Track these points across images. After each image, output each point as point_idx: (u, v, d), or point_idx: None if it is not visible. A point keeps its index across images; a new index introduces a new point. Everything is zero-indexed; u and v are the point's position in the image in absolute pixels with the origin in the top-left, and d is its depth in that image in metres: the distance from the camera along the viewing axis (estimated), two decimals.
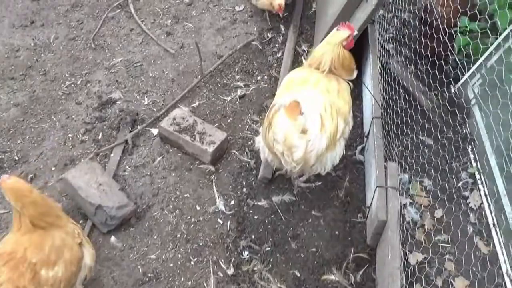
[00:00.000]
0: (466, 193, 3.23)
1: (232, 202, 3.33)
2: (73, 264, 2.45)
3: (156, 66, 4.33)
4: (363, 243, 3.08)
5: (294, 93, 2.85)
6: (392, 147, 3.30)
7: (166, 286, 2.94)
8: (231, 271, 2.97)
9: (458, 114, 3.21)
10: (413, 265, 2.89)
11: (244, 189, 3.39)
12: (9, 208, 3.04)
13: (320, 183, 3.38)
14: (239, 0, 4.96)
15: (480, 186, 3.22)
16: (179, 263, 3.04)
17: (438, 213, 3.13)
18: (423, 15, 3.74)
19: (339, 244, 3.10)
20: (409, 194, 3.22)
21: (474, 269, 2.82)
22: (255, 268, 2.98)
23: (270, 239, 3.13)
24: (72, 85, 4.17)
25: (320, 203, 3.30)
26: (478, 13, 3.15)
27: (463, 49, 3.35)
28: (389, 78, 3.64)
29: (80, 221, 3.18)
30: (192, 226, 3.21)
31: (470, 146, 3.43)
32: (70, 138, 3.74)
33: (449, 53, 3.46)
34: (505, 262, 2.83)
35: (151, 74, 4.26)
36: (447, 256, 2.94)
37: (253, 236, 3.15)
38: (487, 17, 3.02)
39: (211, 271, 2.99)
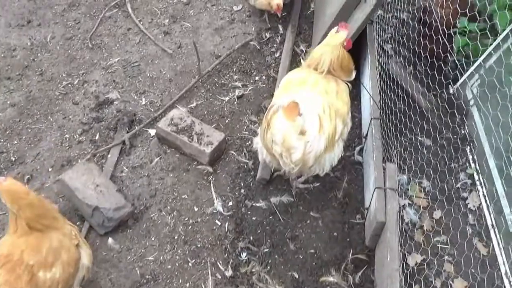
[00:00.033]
0: (465, 194, 3.23)
1: (230, 203, 3.31)
2: (70, 266, 2.44)
3: (154, 66, 4.31)
4: (361, 245, 3.07)
5: (292, 94, 2.84)
6: (390, 148, 3.29)
7: None
8: (229, 273, 2.96)
9: (457, 115, 3.20)
10: (412, 267, 2.88)
11: (242, 190, 3.38)
12: (6, 210, 3.02)
13: (318, 184, 3.37)
14: None
15: (479, 187, 3.22)
16: (177, 264, 3.03)
17: (437, 214, 3.13)
18: (422, 16, 3.73)
19: (338, 245, 3.09)
20: (408, 195, 3.21)
21: (473, 271, 2.81)
22: (253, 270, 2.97)
23: (269, 241, 3.11)
24: (69, 85, 4.14)
25: (319, 204, 3.29)
26: (477, 14, 3.14)
27: (462, 50, 3.35)
28: (387, 79, 3.63)
29: (77, 223, 3.16)
30: (190, 227, 3.20)
31: (468, 147, 3.42)
32: (67, 139, 3.72)
33: (448, 54, 3.46)
34: (504, 264, 2.83)
35: (148, 74, 4.24)
36: (446, 258, 2.93)
37: (251, 238, 3.13)
38: (486, 18, 3.01)
39: (209, 272, 2.97)
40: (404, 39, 3.95)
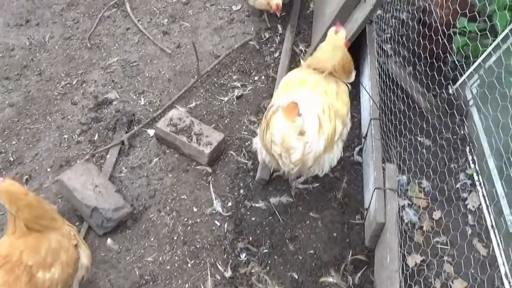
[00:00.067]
0: (465, 195, 3.22)
1: (230, 204, 3.31)
2: (69, 266, 2.43)
3: (153, 66, 4.30)
4: (361, 245, 3.06)
5: (292, 94, 2.83)
6: (390, 149, 3.28)
7: None
8: (228, 274, 2.95)
9: (457, 116, 3.20)
10: (412, 267, 2.87)
11: (242, 191, 3.37)
12: (4, 210, 3.01)
13: (317, 184, 3.37)
14: None
15: (479, 188, 3.21)
16: (176, 265, 3.02)
17: (437, 214, 3.12)
18: (421, 17, 3.73)
19: (337, 246, 3.09)
20: (408, 196, 3.21)
21: (473, 271, 2.81)
22: (252, 271, 2.96)
23: (268, 241, 3.11)
24: (68, 85, 4.13)
25: (318, 205, 3.28)
26: (477, 15, 3.14)
27: (461, 50, 3.34)
28: (387, 79, 3.63)
29: (76, 223, 3.15)
30: (189, 228, 3.19)
31: (468, 148, 3.42)
32: (66, 139, 3.71)
33: (448, 55, 3.45)
34: (503, 264, 2.82)
35: (147, 74, 4.23)
36: (445, 258, 2.92)
37: (250, 238, 3.12)
38: (486, 18, 3.01)
39: (209, 273, 2.97)
40: (404, 39, 3.94)
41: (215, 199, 3.31)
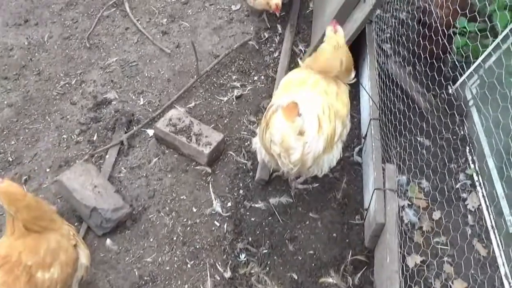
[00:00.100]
0: (465, 195, 3.21)
1: (229, 204, 3.30)
2: (69, 266, 2.43)
3: (152, 66, 4.29)
4: (361, 245, 3.05)
5: (292, 94, 2.82)
6: (390, 149, 3.28)
7: None
8: (228, 274, 2.94)
9: (457, 116, 3.19)
10: (412, 268, 2.87)
11: (241, 191, 3.36)
12: (2, 211, 2.99)
13: (317, 184, 3.36)
14: None
15: (478, 188, 3.21)
16: (175, 266, 3.01)
17: (436, 215, 3.11)
18: (421, 17, 3.72)
19: (337, 246, 3.08)
20: (407, 196, 3.20)
21: (473, 272, 2.81)
22: (252, 271, 2.95)
23: (268, 242, 3.10)
24: (67, 85, 4.12)
25: (318, 205, 3.28)
26: (477, 15, 3.14)
27: (461, 51, 3.33)
28: (386, 79, 3.62)
29: (75, 224, 3.14)
30: (188, 228, 3.18)
31: (468, 148, 3.41)
32: (65, 139, 3.70)
33: (447, 55, 3.45)
34: (503, 265, 2.82)
35: (146, 74, 4.22)
36: (445, 259, 2.92)
37: (250, 239, 3.12)
38: (486, 19, 3.01)
39: (208, 274, 2.96)
40: (403, 39, 3.94)
41: (215, 200, 3.30)
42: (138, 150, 3.61)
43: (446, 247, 2.95)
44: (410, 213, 3.11)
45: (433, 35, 3.42)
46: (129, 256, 3.04)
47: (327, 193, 3.33)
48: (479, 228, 3.05)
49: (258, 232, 3.15)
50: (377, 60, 3.69)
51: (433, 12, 3.59)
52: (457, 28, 3.56)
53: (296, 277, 2.94)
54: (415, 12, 4.26)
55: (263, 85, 4.10)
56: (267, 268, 2.98)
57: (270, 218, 3.22)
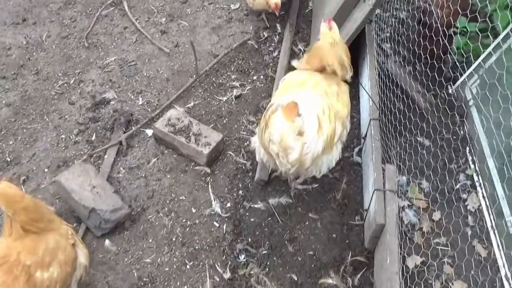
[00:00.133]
0: (465, 196, 3.21)
1: (228, 205, 3.29)
2: (68, 265, 2.42)
3: (151, 65, 4.27)
4: (360, 246, 3.05)
5: (292, 94, 2.81)
6: (390, 149, 3.27)
7: None
8: (227, 275, 2.93)
9: (457, 116, 3.18)
10: (412, 269, 2.86)
11: (240, 191, 3.35)
12: (0, 212, 2.97)
13: (317, 185, 3.35)
14: None
15: (479, 189, 3.20)
16: (174, 267, 3.00)
17: (436, 215, 3.10)
18: (421, 17, 3.71)
19: (337, 247, 3.07)
20: (407, 197, 3.19)
21: (473, 273, 2.80)
22: (251, 272, 2.94)
23: (267, 242, 3.09)
24: (65, 84, 4.10)
25: (317, 206, 3.27)
26: (478, 15, 3.12)
27: (462, 51, 3.32)
28: (386, 79, 3.61)
29: (74, 224, 3.13)
30: (187, 229, 3.17)
31: (468, 148, 3.40)
32: (63, 139, 3.68)
33: (448, 55, 3.44)
34: (504, 266, 2.81)
35: (145, 74, 4.20)
36: (445, 260, 2.91)
37: (249, 239, 3.10)
38: (487, 19, 2.99)
39: (207, 275, 2.95)
40: (403, 39, 3.93)
41: (214, 200, 3.29)
42: (137, 150, 3.60)
43: (446, 248, 2.94)
44: (410, 214, 3.10)
45: (433, 35, 3.40)
46: (128, 257, 3.03)
47: (327, 194, 3.32)
48: (480, 229, 3.04)
49: (257, 233, 3.14)
50: (377, 60, 3.68)
51: (434, 12, 3.57)
52: (457, 28, 3.55)
53: (295, 278, 2.93)
54: (415, 12, 4.24)
55: (262, 85, 4.08)
56: (267, 269, 2.97)
57: (269, 218, 3.20)
